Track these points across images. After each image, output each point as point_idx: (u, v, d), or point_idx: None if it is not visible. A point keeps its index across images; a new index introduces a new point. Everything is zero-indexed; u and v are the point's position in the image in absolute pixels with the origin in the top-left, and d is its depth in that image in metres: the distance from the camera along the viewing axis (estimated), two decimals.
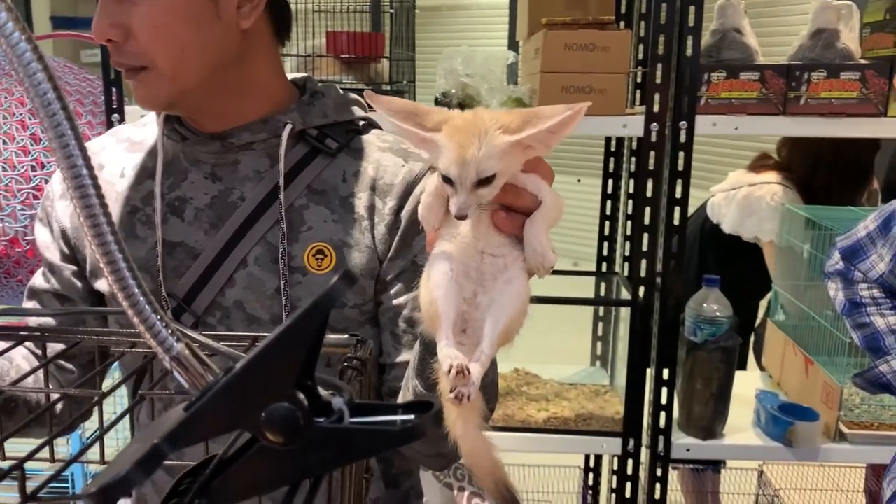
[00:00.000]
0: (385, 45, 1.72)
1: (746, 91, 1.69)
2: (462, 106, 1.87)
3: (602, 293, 2.33)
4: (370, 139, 1.04)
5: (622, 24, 2.12)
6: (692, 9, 1.64)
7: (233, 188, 0.98)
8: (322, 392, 0.37)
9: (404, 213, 0.99)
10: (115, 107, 1.65)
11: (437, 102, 1.84)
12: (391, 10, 1.66)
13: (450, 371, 0.57)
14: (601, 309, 2.38)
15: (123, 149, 1.05)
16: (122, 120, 1.66)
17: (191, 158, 1.00)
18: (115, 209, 0.99)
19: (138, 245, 0.98)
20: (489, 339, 0.61)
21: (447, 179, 0.62)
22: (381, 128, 1.09)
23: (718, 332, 1.77)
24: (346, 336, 0.58)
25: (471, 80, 1.79)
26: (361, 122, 1.04)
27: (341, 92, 1.08)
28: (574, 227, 4.61)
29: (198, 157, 1.00)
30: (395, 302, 0.98)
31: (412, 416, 0.34)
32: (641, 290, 1.77)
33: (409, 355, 0.97)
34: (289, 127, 0.97)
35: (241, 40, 0.94)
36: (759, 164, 2.49)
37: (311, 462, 0.33)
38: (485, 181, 0.61)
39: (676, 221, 1.74)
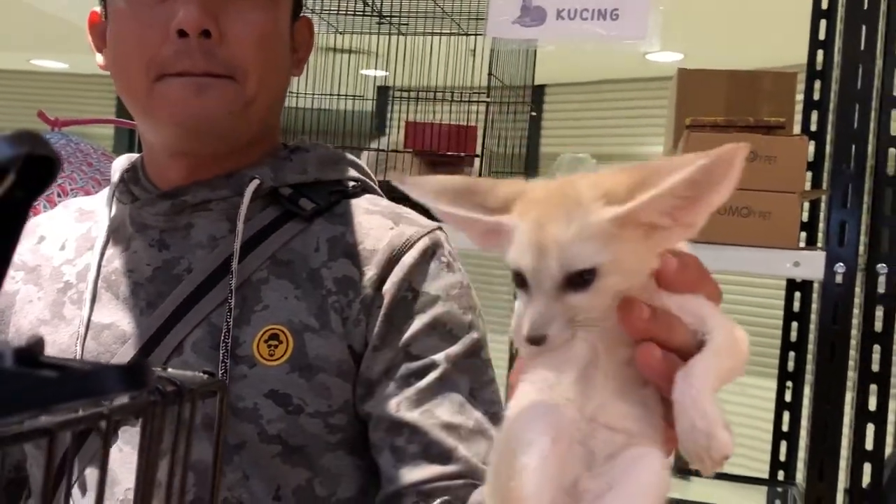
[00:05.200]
0: (477, 141, 1.69)
1: None
2: None
3: None
4: (360, 203, 1.01)
5: (798, 128, 1.97)
6: (895, 114, 1.52)
7: (180, 258, 0.97)
8: None
9: (388, 288, 0.93)
10: None
11: None
12: (487, 98, 1.71)
13: None
14: None
15: (73, 219, 1.08)
16: None
17: (137, 223, 1.00)
18: (48, 287, 1.02)
19: (62, 329, 0.98)
20: None
21: (520, 280, 0.50)
22: (379, 193, 1.06)
23: None
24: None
25: None
26: (352, 184, 1.02)
27: (333, 150, 1.07)
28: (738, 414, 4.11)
29: (145, 220, 0.99)
30: (388, 408, 0.91)
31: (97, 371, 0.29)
32: None
33: (422, 472, 0.88)
34: (255, 183, 0.96)
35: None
36: None
37: None
38: (578, 281, 0.49)
39: (872, 406, 1.51)
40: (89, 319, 0.97)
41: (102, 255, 1.00)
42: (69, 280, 1.02)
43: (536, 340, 0.49)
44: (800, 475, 2.05)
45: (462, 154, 1.67)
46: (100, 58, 1.01)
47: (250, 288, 0.94)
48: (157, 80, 0.92)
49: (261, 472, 0.90)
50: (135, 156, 1.06)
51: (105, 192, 1.07)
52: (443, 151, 1.67)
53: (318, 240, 0.97)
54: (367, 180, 1.06)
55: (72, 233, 1.06)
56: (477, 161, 1.67)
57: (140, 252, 0.99)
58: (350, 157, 1.07)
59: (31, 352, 0.29)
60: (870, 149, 1.53)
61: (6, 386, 0.27)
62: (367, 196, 1.03)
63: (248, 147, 0.99)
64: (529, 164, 2.05)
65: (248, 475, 0.90)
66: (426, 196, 0.52)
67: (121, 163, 1.05)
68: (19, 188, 0.30)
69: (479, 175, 1.66)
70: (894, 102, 1.52)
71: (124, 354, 0.95)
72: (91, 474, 0.94)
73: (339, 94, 1.94)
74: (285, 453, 0.90)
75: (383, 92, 2.45)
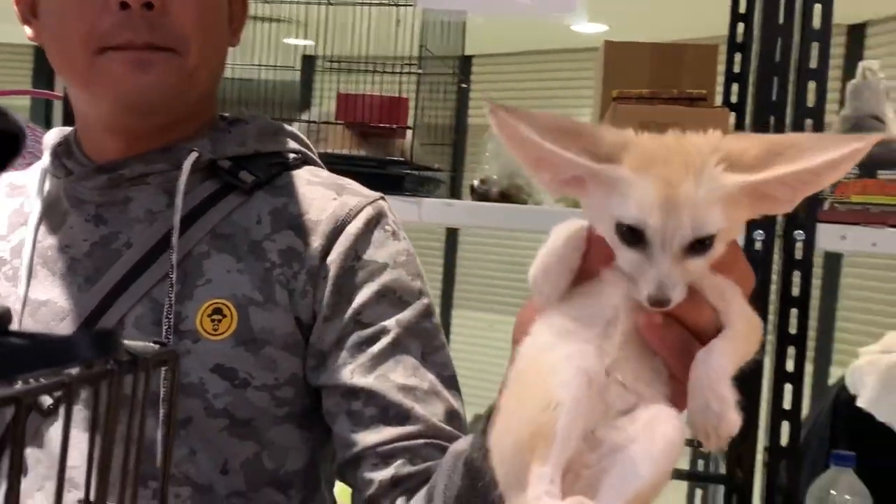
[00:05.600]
0: (409, 113, 1.66)
1: (888, 195, 1.55)
2: (505, 196, 1.87)
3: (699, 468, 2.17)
4: (301, 174, 1.00)
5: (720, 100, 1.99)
6: (812, 86, 1.54)
7: (118, 233, 0.96)
8: None
9: (333, 258, 0.94)
10: None
11: (473, 191, 1.85)
12: (418, 70, 1.71)
13: None
14: (696, 498, 2.20)
15: (3, 194, 1.06)
16: None
17: (72, 198, 0.98)
18: None
19: None
20: (615, 502, 0.48)
21: (633, 237, 0.49)
22: (319, 165, 1.06)
23: None
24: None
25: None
26: (292, 156, 1.02)
27: (272, 121, 1.07)
28: None
29: (81, 195, 0.98)
30: (342, 377, 0.91)
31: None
32: (741, 462, 1.59)
33: (381, 434, 0.89)
34: (193, 155, 0.95)
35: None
36: None
37: None
38: (699, 246, 0.49)
39: (790, 368, 1.56)
40: (26, 296, 0.96)
41: (37, 230, 0.99)
42: (3, 256, 1.00)
43: (661, 302, 0.49)
44: None
45: (394, 126, 1.68)
46: (28, 30, 0.99)
47: (191, 262, 0.94)
48: (98, 54, 0.91)
49: (208, 446, 0.90)
50: (66, 129, 1.05)
51: (37, 167, 1.04)
52: (375, 123, 1.68)
53: (260, 212, 0.97)
54: (307, 152, 1.06)
55: (3, 209, 1.04)
56: (409, 133, 1.68)
57: (76, 227, 0.98)
58: (289, 128, 1.07)
59: (1, 322, 0.30)
60: (787, 120, 1.57)
61: None
62: (308, 167, 1.03)
63: (187, 119, 0.99)
64: (458, 136, 2.06)
65: (194, 450, 0.90)
66: (527, 130, 0.51)
67: (52, 136, 1.04)
68: None
69: (411, 148, 1.67)
70: (811, 75, 1.55)
71: (63, 331, 0.93)
72: (30, 454, 0.93)
73: (263, 65, 1.92)
74: (232, 427, 0.91)
75: (308, 62, 2.43)
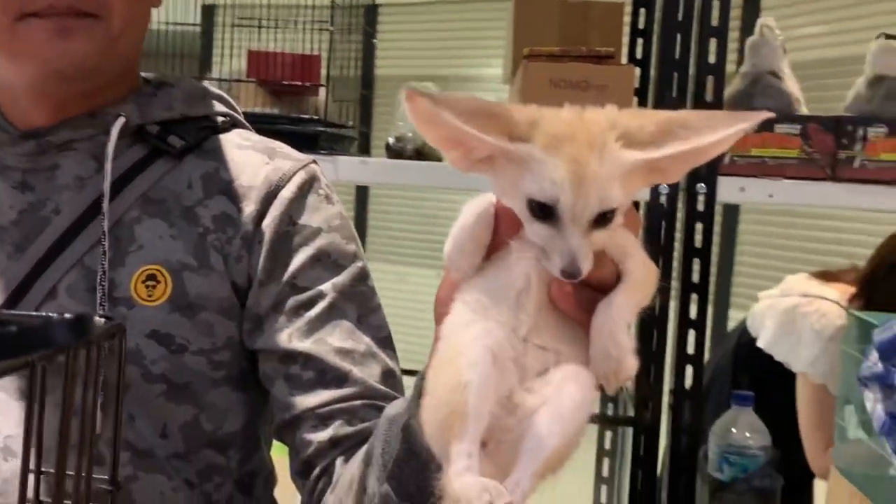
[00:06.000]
0: (321, 70, 1.68)
1: (784, 148, 1.61)
2: (420, 154, 1.89)
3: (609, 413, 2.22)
4: (230, 138, 1.01)
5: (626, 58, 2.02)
6: (713, 42, 1.57)
7: (46, 199, 0.95)
8: None
9: (268, 223, 0.94)
10: None
11: (388, 148, 1.86)
12: (329, 28, 1.71)
13: None
14: (606, 440, 2.30)
15: None
16: None
17: None
18: None
19: None
20: (532, 464, 0.52)
21: (543, 212, 0.53)
22: (248, 127, 1.06)
23: (752, 468, 1.65)
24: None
25: None
26: (221, 119, 1.02)
27: (198, 84, 1.06)
28: None
29: (6, 162, 0.96)
30: (280, 341, 0.93)
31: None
32: (648, 405, 1.66)
33: (320, 397, 0.91)
34: (121, 121, 0.94)
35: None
36: (835, 273, 2.46)
37: None
38: (602, 219, 0.52)
39: (693, 315, 1.63)
40: None
41: None
42: None
43: (574, 275, 0.52)
44: None
45: (307, 83, 1.68)
46: None
47: (123, 228, 0.94)
48: (18, 20, 0.89)
49: (146, 411, 0.91)
50: None
51: None
52: (287, 81, 1.68)
53: (191, 177, 0.97)
54: (235, 114, 1.06)
55: None
56: (322, 90, 1.68)
57: (2, 194, 0.96)
58: (216, 91, 1.07)
59: None
60: (690, 76, 1.61)
61: None
62: (237, 131, 1.04)
63: (113, 84, 0.98)
64: (367, 90, 2.06)
65: (133, 415, 0.91)
66: (451, 113, 0.53)
67: None
68: None
69: (325, 103, 1.68)
70: (713, 32, 1.59)
71: None
72: None
73: (167, 23, 1.87)
74: (170, 392, 0.91)
75: (208, 12, 2.37)
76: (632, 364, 0.55)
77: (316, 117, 1.66)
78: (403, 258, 5.34)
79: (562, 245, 0.52)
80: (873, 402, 1.45)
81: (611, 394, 0.54)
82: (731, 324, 2.19)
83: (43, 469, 0.45)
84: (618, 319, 0.55)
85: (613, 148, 0.52)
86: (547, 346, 0.56)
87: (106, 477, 0.48)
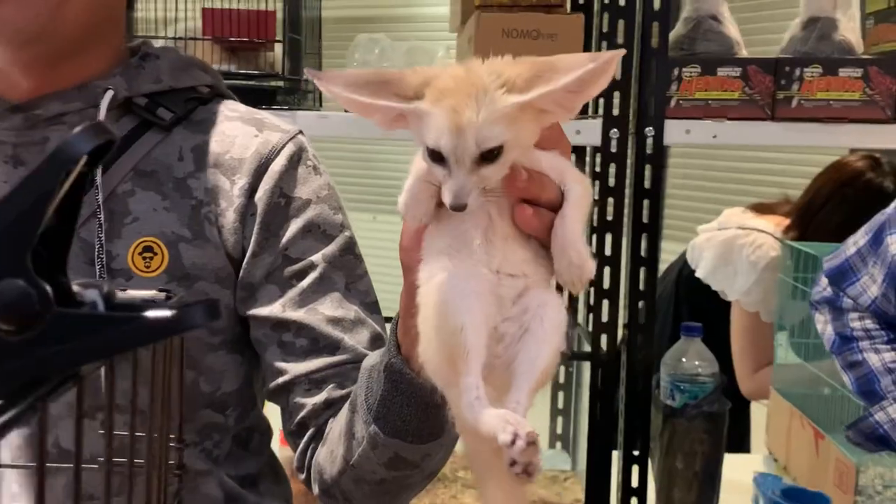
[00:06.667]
0: (276, 27, 1.67)
1: (726, 90, 1.67)
2: None
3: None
4: (217, 109, 1.03)
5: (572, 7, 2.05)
6: None
7: None
8: (77, 288, 0.40)
9: (260, 196, 0.97)
10: None
11: None
12: None
13: (514, 442, 0.54)
14: (561, 375, 2.37)
15: None
16: None
17: None
18: None
19: None
20: (526, 384, 0.59)
21: (436, 157, 0.59)
22: (233, 98, 1.08)
23: (701, 394, 1.71)
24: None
25: None
26: (206, 90, 1.03)
27: (182, 54, 1.07)
28: None
29: None
30: (273, 309, 0.96)
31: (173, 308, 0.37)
32: (604, 340, 1.73)
33: (313, 363, 0.95)
34: (110, 94, 0.95)
35: None
36: (769, 206, 2.56)
37: (49, 356, 0.35)
38: (488, 156, 0.58)
39: (643, 252, 1.69)
40: None
41: None
42: None
43: (459, 208, 0.58)
44: (581, 316, 2.28)
45: (263, 40, 1.70)
46: None
47: (116, 201, 0.95)
48: None
49: (148, 377, 0.94)
50: None
51: None
52: (242, 38, 1.69)
53: (182, 149, 0.99)
54: (218, 84, 1.07)
55: None
56: (278, 46, 1.70)
57: None
58: (199, 60, 1.08)
59: (112, 295, 0.36)
60: (637, 23, 1.65)
61: (111, 330, 0.35)
62: (223, 101, 1.06)
63: (85, 51, 0.97)
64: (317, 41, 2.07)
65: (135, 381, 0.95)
66: (344, 90, 0.60)
67: None
68: (86, 164, 0.37)
69: (283, 61, 1.70)
70: None
71: None
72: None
73: None
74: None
75: None
76: (591, 266, 0.62)
77: (274, 73, 1.68)
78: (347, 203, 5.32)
79: (451, 183, 0.58)
80: (823, 324, 1.55)
81: (576, 295, 0.63)
82: (665, 255, 2.27)
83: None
84: (573, 230, 0.62)
85: (495, 96, 0.58)
86: (516, 272, 0.62)
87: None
